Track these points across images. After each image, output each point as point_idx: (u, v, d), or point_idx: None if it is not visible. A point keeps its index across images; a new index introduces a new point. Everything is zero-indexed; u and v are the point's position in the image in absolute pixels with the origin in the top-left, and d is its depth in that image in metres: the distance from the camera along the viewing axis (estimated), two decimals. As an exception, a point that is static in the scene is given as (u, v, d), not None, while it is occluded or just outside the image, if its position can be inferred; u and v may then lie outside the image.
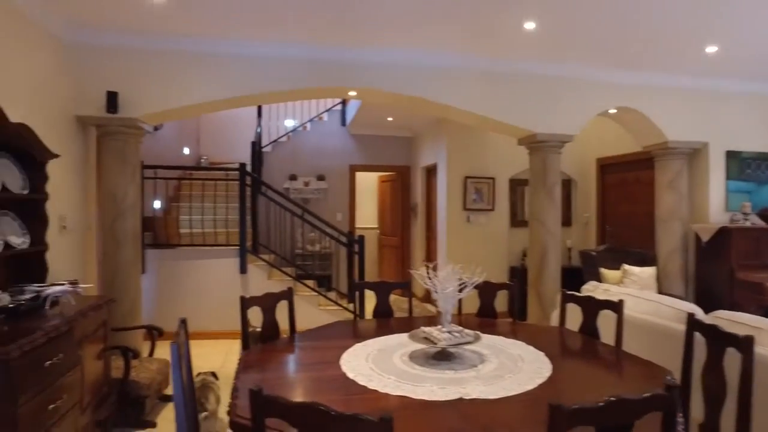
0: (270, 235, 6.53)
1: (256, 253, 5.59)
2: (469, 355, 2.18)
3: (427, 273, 2.25)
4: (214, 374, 3.30)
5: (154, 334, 3.68)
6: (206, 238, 5.57)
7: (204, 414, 2.88)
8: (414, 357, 2.17)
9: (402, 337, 2.48)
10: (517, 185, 6.90)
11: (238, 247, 5.46)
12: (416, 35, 3.95)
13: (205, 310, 5.43)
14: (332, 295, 5.95)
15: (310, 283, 5.79)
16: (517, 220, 6.91)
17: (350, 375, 1.94)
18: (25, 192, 2.83)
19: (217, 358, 4.78)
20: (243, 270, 5.44)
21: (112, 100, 3.78)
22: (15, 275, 2.84)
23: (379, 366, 2.06)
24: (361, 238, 5.63)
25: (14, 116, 2.64)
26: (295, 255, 7.26)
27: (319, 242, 7.29)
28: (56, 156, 3.00)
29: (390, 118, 7.26)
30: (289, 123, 8.20)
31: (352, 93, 4.48)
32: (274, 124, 8.06)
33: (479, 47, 4.24)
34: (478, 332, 2.21)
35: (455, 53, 4.38)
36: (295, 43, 4.08)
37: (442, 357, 2.14)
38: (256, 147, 6.84)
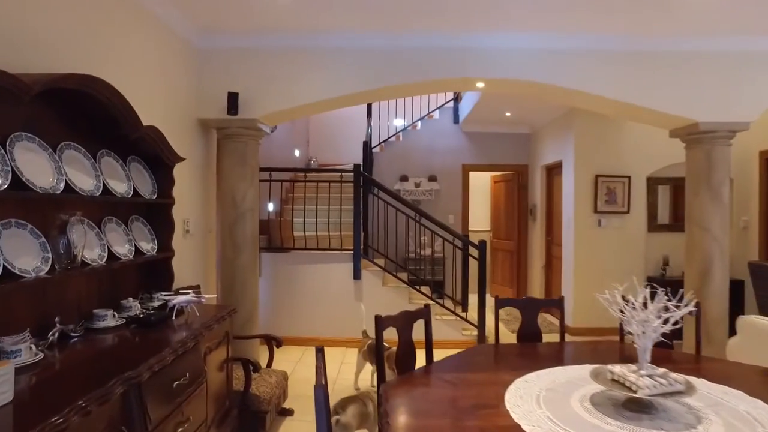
0: (381, 238, 6.26)
1: (368, 257, 5.35)
2: (675, 408, 1.66)
3: (622, 299, 1.75)
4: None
5: (272, 344, 3.51)
6: (320, 242, 5.42)
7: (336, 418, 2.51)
8: (598, 404, 1.70)
9: (569, 371, 2.02)
10: (656, 184, 6.02)
11: (351, 252, 5.25)
12: (548, 15, 3.42)
13: (319, 317, 5.28)
14: (447, 303, 5.54)
15: (425, 289, 5.44)
16: (655, 224, 6.02)
17: (526, 427, 1.52)
18: (154, 197, 2.75)
19: (332, 368, 4.58)
20: (357, 276, 5.22)
21: (233, 102, 3.69)
22: (144, 281, 2.77)
23: (557, 414, 1.62)
24: (483, 243, 5.16)
25: (145, 120, 2.55)
26: (407, 259, 6.96)
27: (431, 246, 6.92)
28: (183, 159, 2.91)
29: (508, 113, 6.70)
30: (399, 122, 7.93)
31: (480, 84, 4.04)
32: (384, 124, 7.83)
33: (624, 23, 3.59)
34: (688, 378, 1.68)
35: (594, 33, 3.76)
36: (419, 30, 3.73)
37: (639, 408, 1.65)
38: (367, 147, 6.63)
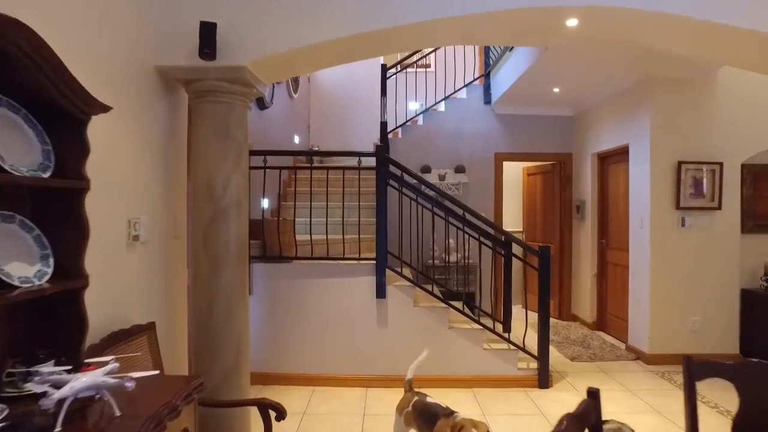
0: (403, 242, 5.00)
1: (394, 268, 4.03)
2: None
3: None
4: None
5: (269, 414, 2.23)
6: (330, 249, 4.11)
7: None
8: None
9: None
10: (755, 173, 4.79)
11: (373, 262, 3.96)
12: None
13: (330, 349, 3.99)
14: (485, 321, 4.26)
15: (457, 305, 4.16)
16: (754, 223, 4.79)
17: None
18: (46, 175, 1.46)
19: (349, 422, 3.30)
20: (381, 293, 3.93)
21: (208, 37, 2.40)
22: (27, 334, 1.48)
23: None
24: (546, 250, 3.90)
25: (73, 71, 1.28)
26: (429, 267, 5.69)
27: (462, 250, 5.64)
28: (107, 108, 1.61)
29: (556, 89, 5.43)
30: (416, 107, 6.65)
31: (571, 22, 2.76)
32: (401, 109, 6.52)
33: None
34: None
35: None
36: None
37: None
38: (386, 129, 5.35)
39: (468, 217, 4.15)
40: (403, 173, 4.01)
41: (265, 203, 4.70)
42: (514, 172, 7.53)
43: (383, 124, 5.24)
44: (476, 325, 4.02)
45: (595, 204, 5.95)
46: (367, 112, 7.03)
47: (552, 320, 4.33)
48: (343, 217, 4.19)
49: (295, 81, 6.40)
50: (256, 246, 4.03)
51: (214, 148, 2.63)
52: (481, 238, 4.26)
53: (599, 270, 5.87)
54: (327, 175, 4.13)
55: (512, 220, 7.58)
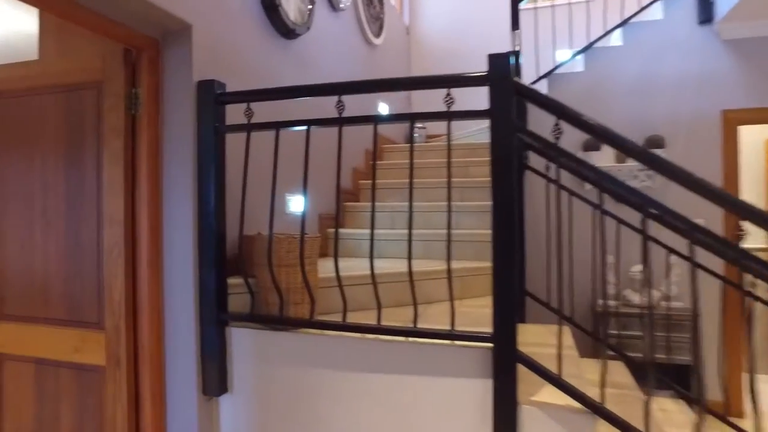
0: (548, 276, 2.56)
1: (524, 356, 1.66)
2: None
3: None
4: None
5: None
6: (391, 293, 1.89)
7: None
8: None
9: None
10: None
11: (486, 346, 1.62)
12: None
13: None
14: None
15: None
16: None
17: None
18: None
19: None
20: (505, 417, 1.59)
21: None
22: None
23: None
24: None
25: None
26: (594, 317, 3.15)
27: (660, 284, 3.04)
28: None
29: None
30: (565, 55, 4.10)
31: None
32: (546, 57, 4.11)
33: None
34: None
35: None
36: None
37: None
38: (516, 70, 2.99)
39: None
40: (553, 149, 1.61)
41: (299, 204, 2.60)
42: (756, 144, 4.59)
43: (511, 54, 2.89)
44: None
45: None
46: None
47: None
48: (409, 233, 1.91)
49: (377, 20, 4.28)
50: (236, 286, 1.96)
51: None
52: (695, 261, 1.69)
53: None
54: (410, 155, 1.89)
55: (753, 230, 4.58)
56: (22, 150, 2.09)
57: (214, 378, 1.87)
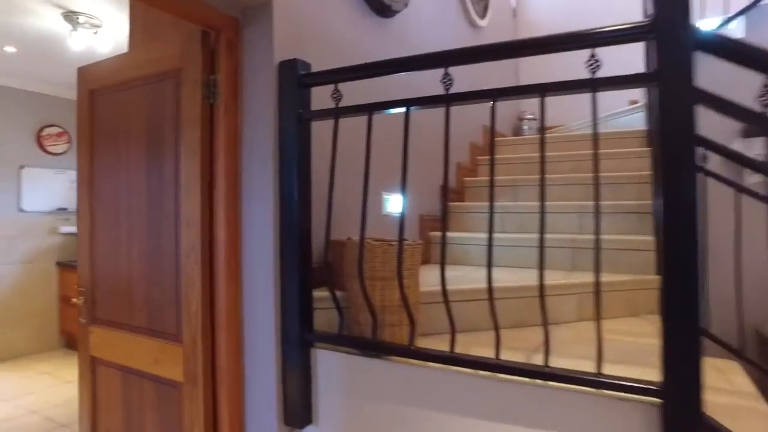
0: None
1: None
2: None
3: None
4: None
5: None
6: (505, 313, 1.49)
7: None
8: None
9: None
10: None
11: (652, 401, 1.17)
12: None
13: None
14: None
15: None
16: None
17: None
18: None
19: None
20: None
21: None
22: None
23: None
24: None
25: None
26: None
27: None
28: None
29: None
30: (711, 21, 3.35)
31: None
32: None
33: None
34: None
35: None
36: None
37: None
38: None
39: None
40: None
41: (396, 203, 2.29)
42: None
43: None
44: None
45: None
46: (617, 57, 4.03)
47: None
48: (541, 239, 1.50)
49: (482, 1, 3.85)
50: (328, 304, 1.67)
51: None
52: None
53: None
54: (541, 143, 1.64)
55: None
56: (112, 146, 1.99)
57: (297, 407, 1.60)
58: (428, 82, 2.65)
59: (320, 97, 1.76)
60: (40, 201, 4.79)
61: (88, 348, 2.07)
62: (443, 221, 1.40)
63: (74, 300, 2.02)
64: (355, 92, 1.97)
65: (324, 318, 1.69)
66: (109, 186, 1.99)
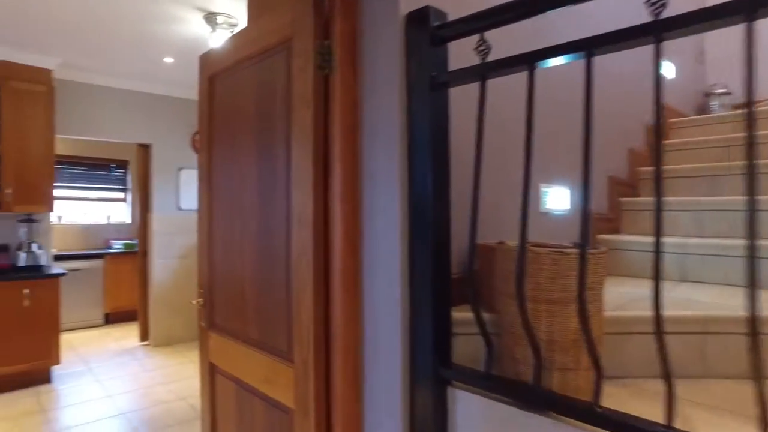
0: None
1: None
2: None
3: None
4: None
5: None
6: (722, 354, 0.95)
7: None
8: None
9: None
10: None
11: None
12: None
13: None
14: None
15: None
16: None
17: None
18: None
19: None
20: None
21: None
22: None
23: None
24: None
25: None
26: None
27: None
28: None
29: None
30: None
31: None
32: None
33: None
34: None
35: None
36: None
37: None
38: None
39: None
40: None
41: (563, 198, 1.79)
42: None
43: None
44: None
45: None
46: None
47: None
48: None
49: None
50: (470, 329, 1.26)
51: None
52: None
53: None
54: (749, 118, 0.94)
55: None
56: (226, 136, 1.81)
57: (429, 462, 1.21)
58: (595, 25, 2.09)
59: (456, 55, 1.35)
60: (194, 200, 5.11)
61: (208, 353, 1.92)
62: (656, 184, 0.89)
63: (192, 302, 1.89)
64: (495, 47, 1.52)
65: (464, 347, 1.28)
66: (225, 180, 1.80)
